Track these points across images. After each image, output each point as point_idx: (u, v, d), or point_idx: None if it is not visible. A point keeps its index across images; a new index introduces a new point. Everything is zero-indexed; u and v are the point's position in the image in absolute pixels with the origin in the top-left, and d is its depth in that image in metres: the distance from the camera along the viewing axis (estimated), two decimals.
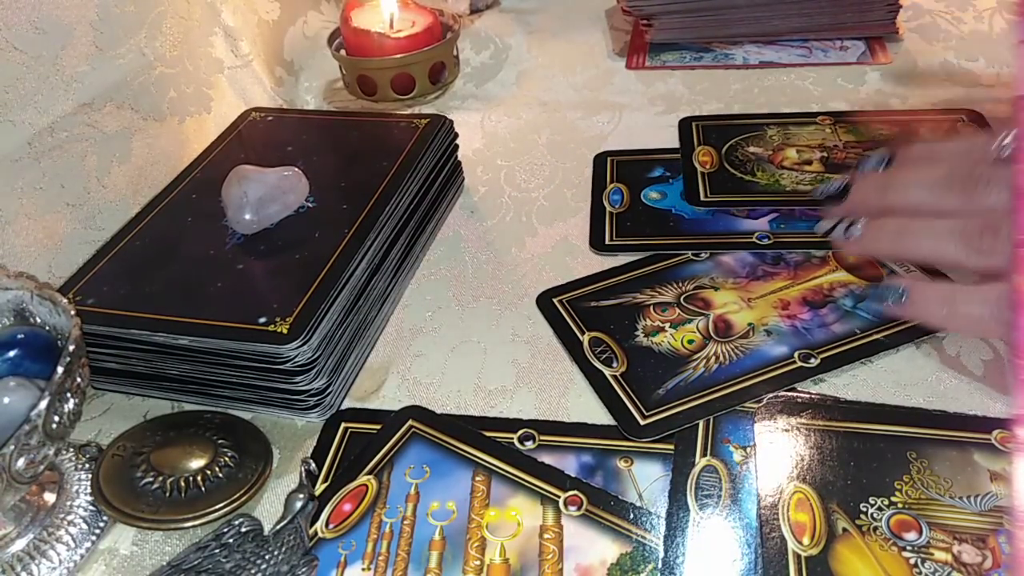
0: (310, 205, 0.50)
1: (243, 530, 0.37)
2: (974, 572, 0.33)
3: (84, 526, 0.40)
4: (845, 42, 0.71)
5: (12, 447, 0.33)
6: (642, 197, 0.56)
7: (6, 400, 0.37)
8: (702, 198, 0.54)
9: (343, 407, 0.45)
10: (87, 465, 0.42)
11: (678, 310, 0.47)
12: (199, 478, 0.40)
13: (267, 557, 0.36)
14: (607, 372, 0.44)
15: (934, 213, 0.41)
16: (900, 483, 0.36)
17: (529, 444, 0.41)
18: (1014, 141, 0.39)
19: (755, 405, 0.41)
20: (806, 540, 0.35)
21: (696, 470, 0.38)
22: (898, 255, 0.46)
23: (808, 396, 0.41)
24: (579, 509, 0.38)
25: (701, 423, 0.40)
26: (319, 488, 0.40)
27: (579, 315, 0.48)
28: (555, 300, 0.49)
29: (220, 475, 0.40)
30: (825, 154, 0.56)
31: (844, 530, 0.35)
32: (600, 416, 0.42)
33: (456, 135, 0.58)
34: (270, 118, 0.60)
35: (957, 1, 0.74)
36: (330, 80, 0.75)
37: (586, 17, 0.81)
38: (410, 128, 0.56)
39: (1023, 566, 0.32)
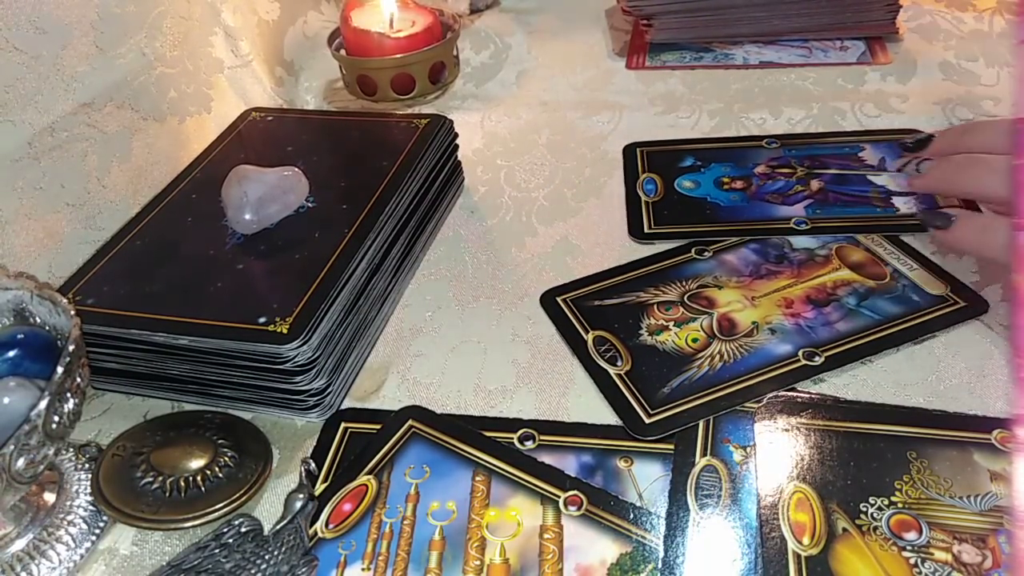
0: (310, 205, 0.50)
1: (243, 530, 0.37)
2: (974, 572, 0.33)
3: (84, 526, 0.40)
4: (845, 42, 0.71)
5: (12, 447, 0.33)
6: (676, 186, 0.57)
7: (6, 400, 0.37)
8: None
9: (343, 407, 0.45)
10: (87, 465, 0.42)
11: (682, 309, 0.47)
12: (199, 478, 0.40)
13: (267, 557, 0.36)
14: (611, 371, 0.44)
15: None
16: (900, 483, 0.36)
17: (529, 444, 0.41)
18: None
19: (756, 405, 0.41)
20: (806, 540, 0.35)
21: (696, 470, 0.38)
22: (960, 190, 0.49)
23: (808, 396, 0.41)
24: (579, 509, 0.38)
25: (701, 423, 0.40)
26: (319, 488, 0.40)
27: (583, 314, 0.48)
28: (558, 299, 0.49)
29: (220, 475, 0.40)
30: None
31: (844, 530, 0.35)
32: (602, 416, 0.42)
33: (456, 135, 0.58)
34: (270, 118, 0.60)
35: (957, 1, 0.74)
36: (330, 80, 0.75)
37: (586, 17, 0.81)
38: (410, 128, 0.56)
39: (1023, 566, 0.32)
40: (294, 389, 0.42)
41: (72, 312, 0.38)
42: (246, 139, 0.58)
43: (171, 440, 0.42)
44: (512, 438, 0.41)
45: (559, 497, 0.38)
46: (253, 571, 0.36)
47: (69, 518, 0.40)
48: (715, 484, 0.38)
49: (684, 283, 0.49)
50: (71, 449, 0.43)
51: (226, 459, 0.41)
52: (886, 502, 0.36)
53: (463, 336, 0.48)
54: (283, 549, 0.36)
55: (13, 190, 0.49)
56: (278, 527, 0.37)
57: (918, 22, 0.72)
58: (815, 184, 0.55)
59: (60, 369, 0.35)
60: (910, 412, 0.40)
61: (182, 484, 0.40)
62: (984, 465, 0.37)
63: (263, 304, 0.43)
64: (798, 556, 0.34)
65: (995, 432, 0.38)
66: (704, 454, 0.39)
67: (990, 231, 0.44)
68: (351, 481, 0.40)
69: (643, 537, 0.36)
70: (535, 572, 0.35)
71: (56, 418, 0.35)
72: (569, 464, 0.40)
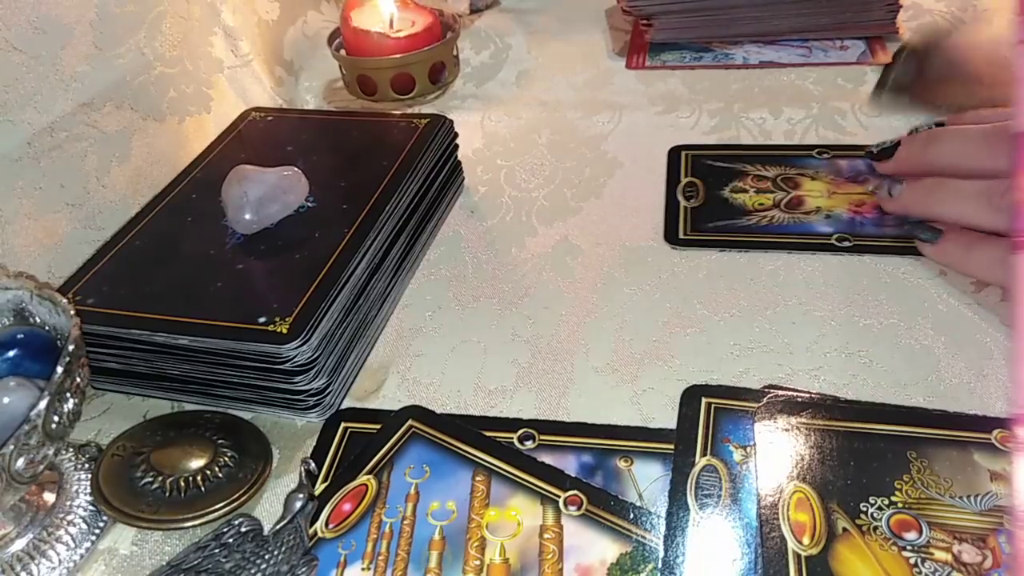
0: (310, 205, 0.50)
1: (243, 530, 0.37)
2: (974, 572, 0.33)
3: (84, 526, 0.40)
4: (845, 42, 0.71)
5: (12, 447, 0.33)
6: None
7: (6, 400, 0.37)
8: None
9: (343, 407, 0.45)
10: (87, 465, 0.42)
11: (769, 183, 0.55)
12: (199, 478, 0.40)
13: (267, 557, 0.36)
14: (684, 203, 0.54)
15: (968, 173, 0.45)
16: (900, 483, 0.36)
17: (529, 444, 0.41)
18: None
19: (755, 404, 0.41)
20: (806, 540, 0.35)
21: (696, 470, 0.38)
22: (929, 214, 0.48)
23: (808, 396, 0.41)
24: (579, 509, 0.38)
25: (701, 423, 0.40)
26: (319, 488, 0.40)
27: (694, 164, 0.58)
28: (683, 152, 0.59)
29: (220, 475, 0.40)
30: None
31: (844, 530, 0.35)
32: (602, 415, 0.42)
33: (456, 135, 0.58)
34: (270, 118, 0.60)
35: (957, 1, 0.74)
36: (330, 80, 0.75)
37: (586, 17, 0.81)
38: (410, 128, 0.56)
39: (1023, 566, 0.32)
40: (294, 389, 0.42)
41: (72, 312, 0.38)
42: (246, 139, 0.58)
43: (171, 440, 0.42)
44: (512, 438, 0.41)
45: (559, 497, 0.38)
46: (253, 571, 0.36)
47: (69, 518, 0.40)
48: (715, 484, 0.38)
49: (786, 168, 0.56)
50: (71, 449, 0.43)
51: (226, 459, 0.41)
52: (886, 502, 0.36)
53: (463, 336, 0.48)
54: (283, 549, 0.36)
55: (13, 190, 0.49)
56: (278, 527, 0.37)
57: (918, 22, 0.72)
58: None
59: (60, 369, 0.35)
60: (910, 412, 0.40)
61: (182, 484, 0.40)
62: (984, 465, 0.37)
63: (263, 304, 0.43)
64: (798, 556, 0.34)
65: (995, 432, 0.38)
66: (704, 454, 0.39)
67: (976, 250, 0.44)
68: (351, 481, 0.40)
69: (643, 537, 0.36)
70: (535, 572, 0.35)
71: (56, 418, 0.35)
72: (569, 464, 0.40)
